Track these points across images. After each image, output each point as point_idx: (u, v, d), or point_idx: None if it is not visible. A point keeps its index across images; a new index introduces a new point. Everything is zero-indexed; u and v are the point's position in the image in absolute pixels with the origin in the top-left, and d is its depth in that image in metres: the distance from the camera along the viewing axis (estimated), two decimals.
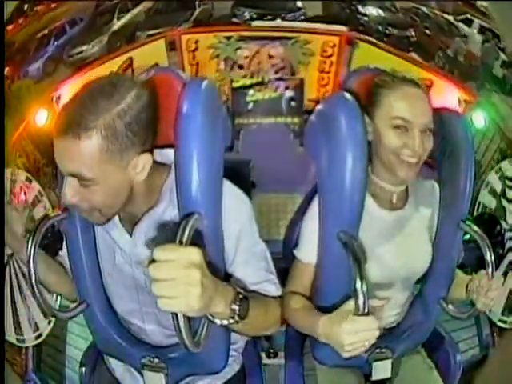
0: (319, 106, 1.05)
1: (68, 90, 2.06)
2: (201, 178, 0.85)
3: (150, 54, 2.34)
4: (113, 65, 2.23)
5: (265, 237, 0.99)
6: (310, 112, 1.11)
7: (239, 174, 0.99)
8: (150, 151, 0.86)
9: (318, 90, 2.50)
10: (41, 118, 1.95)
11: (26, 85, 1.99)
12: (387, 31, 2.39)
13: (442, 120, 1.03)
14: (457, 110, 1.11)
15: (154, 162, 0.90)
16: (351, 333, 0.80)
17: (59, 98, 2.05)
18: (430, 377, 1.18)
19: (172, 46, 2.36)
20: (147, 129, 0.83)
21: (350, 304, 0.83)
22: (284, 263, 1.16)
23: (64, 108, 0.81)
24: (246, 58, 2.49)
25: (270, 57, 2.50)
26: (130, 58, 2.26)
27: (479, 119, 2.00)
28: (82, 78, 2.12)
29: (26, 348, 1.87)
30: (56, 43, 2.18)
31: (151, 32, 2.44)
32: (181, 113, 0.86)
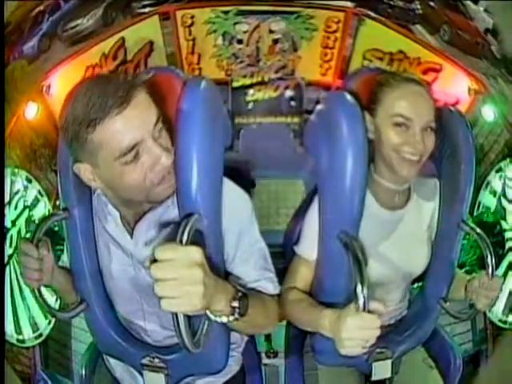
0: (319, 106, 1.05)
1: (58, 78, 2.05)
2: (201, 177, 0.84)
3: (144, 31, 2.31)
4: (105, 45, 2.22)
5: (264, 227, 0.99)
6: (310, 112, 1.11)
7: (239, 174, 0.99)
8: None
9: (320, 66, 2.46)
10: (31, 111, 1.96)
11: (20, 66, 1.97)
12: (392, 2, 2.33)
13: (442, 119, 1.03)
14: (458, 110, 1.10)
15: None
16: (352, 328, 0.81)
17: (49, 87, 2.04)
18: (430, 376, 1.18)
19: (165, 16, 2.33)
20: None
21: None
22: (283, 260, 1.16)
23: (92, 94, 0.79)
24: (245, 32, 2.43)
25: (271, 31, 2.45)
26: (123, 38, 2.24)
27: (489, 112, 1.98)
28: (72, 63, 2.10)
29: (33, 347, 1.88)
30: (51, 19, 2.15)
31: (146, 2, 2.37)
32: (180, 112, 0.86)
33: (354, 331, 0.81)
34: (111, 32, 2.24)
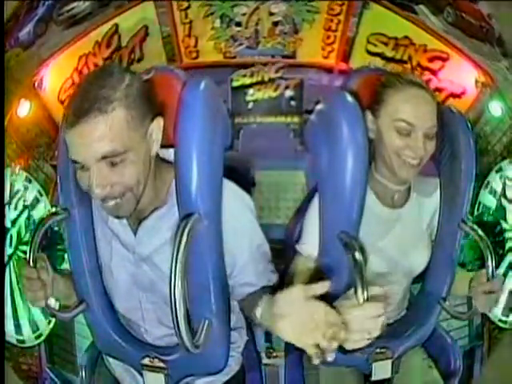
0: (319, 106, 1.05)
1: (50, 71, 2.03)
2: (201, 177, 0.84)
3: (138, 16, 2.24)
4: (98, 33, 2.16)
5: (264, 221, 0.99)
6: (310, 111, 1.11)
7: (239, 174, 0.99)
8: (158, 114, 0.87)
9: (323, 49, 2.40)
10: (24, 108, 1.94)
11: (15, 55, 1.95)
12: None
13: (443, 119, 1.03)
14: (459, 110, 1.10)
15: (163, 159, 0.91)
16: (358, 320, 0.78)
17: (41, 81, 2.03)
18: (430, 376, 1.18)
19: None
20: (153, 94, 0.87)
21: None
22: (283, 260, 1.16)
23: (73, 96, 0.81)
24: (244, 15, 2.36)
25: (271, 14, 2.37)
26: (116, 25, 2.18)
27: (496, 107, 1.94)
28: (64, 55, 2.07)
29: (39, 345, 1.88)
30: (46, 3, 2.11)
31: None
32: (180, 112, 0.85)
33: (356, 324, 0.77)
34: (104, 19, 2.17)
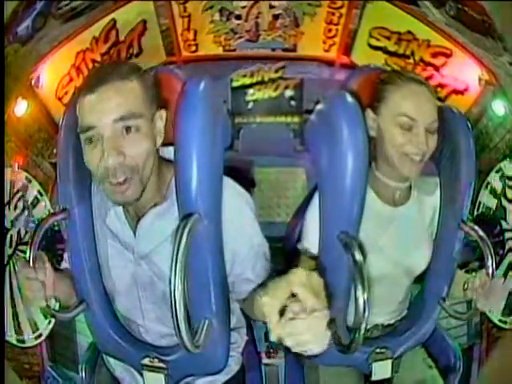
0: (319, 106, 1.05)
1: (47, 68, 2.02)
2: (201, 177, 0.84)
3: (136, 10, 2.21)
4: (96, 29, 2.14)
5: (265, 219, 0.98)
6: (310, 111, 1.11)
7: (239, 173, 0.99)
8: (162, 107, 0.90)
9: (324, 42, 2.38)
10: (21, 107, 1.94)
11: (13, 50, 1.94)
12: None
13: (444, 119, 1.03)
14: (459, 110, 1.10)
15: (163, 158, 0.91)
16: None
17: (38, 79, 2.02)
18: (430, 376, 1.18)
19: None
20: (158, 89, 0.91)
21: None
22: (283, 260, 1.16)
23: (93, 69, 0.91)
24: (244, 8, 2.34)
25: (272, 7, 2.36)
26: (114, 20, 2.16)
27: (499, 106, 1.92)
28: (60, 52, 2.06)
29: (40, 345, 1.88)
30: None
31: None
32: (180, 112, 0.86)
33: None
34: (103, 13, 2.13)
